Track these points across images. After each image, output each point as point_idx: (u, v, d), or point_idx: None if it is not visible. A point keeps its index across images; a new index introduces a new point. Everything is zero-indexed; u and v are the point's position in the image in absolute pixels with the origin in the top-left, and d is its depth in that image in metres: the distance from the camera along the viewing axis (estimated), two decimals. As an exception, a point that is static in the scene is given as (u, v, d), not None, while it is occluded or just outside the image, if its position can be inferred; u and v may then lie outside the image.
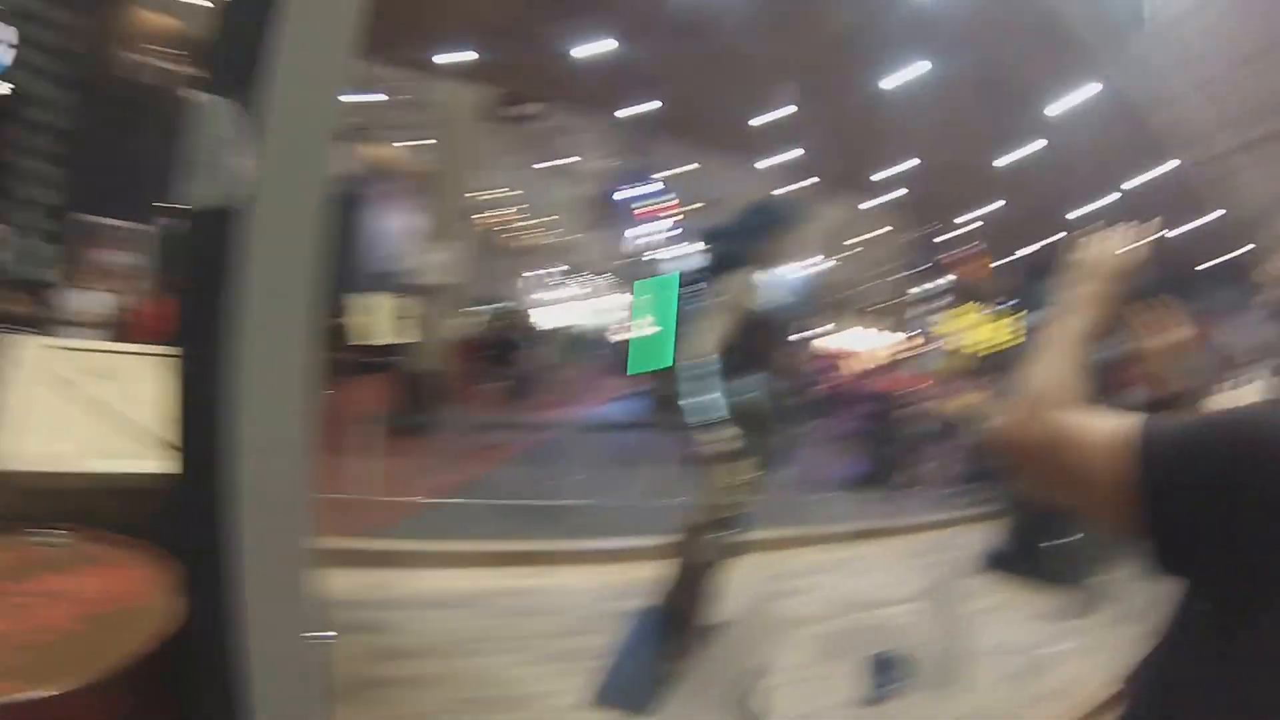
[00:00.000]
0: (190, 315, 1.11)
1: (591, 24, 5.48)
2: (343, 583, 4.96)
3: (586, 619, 5.10)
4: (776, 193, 4.77)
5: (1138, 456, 1.01)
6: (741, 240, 4.57)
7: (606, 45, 5.75)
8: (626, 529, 6.63)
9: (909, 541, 8.70)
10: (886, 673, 4.51)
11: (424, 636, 4.58)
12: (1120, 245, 1.45)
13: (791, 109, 6.66)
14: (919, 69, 5.45)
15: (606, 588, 5.66)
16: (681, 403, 4.22)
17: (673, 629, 4.56)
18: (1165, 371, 2.89)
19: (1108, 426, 1.06)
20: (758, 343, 4.46)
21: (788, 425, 4.84)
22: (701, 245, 4.89)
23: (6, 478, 2.04)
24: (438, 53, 6.28)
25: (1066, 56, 5.10)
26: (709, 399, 4.12)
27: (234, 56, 1.11)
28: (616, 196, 27.66)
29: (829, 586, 6.51)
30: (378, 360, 16.87)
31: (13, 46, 6.05)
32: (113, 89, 6.36)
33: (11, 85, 6.08)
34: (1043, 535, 7.48)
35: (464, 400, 12.78)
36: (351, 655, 4.29)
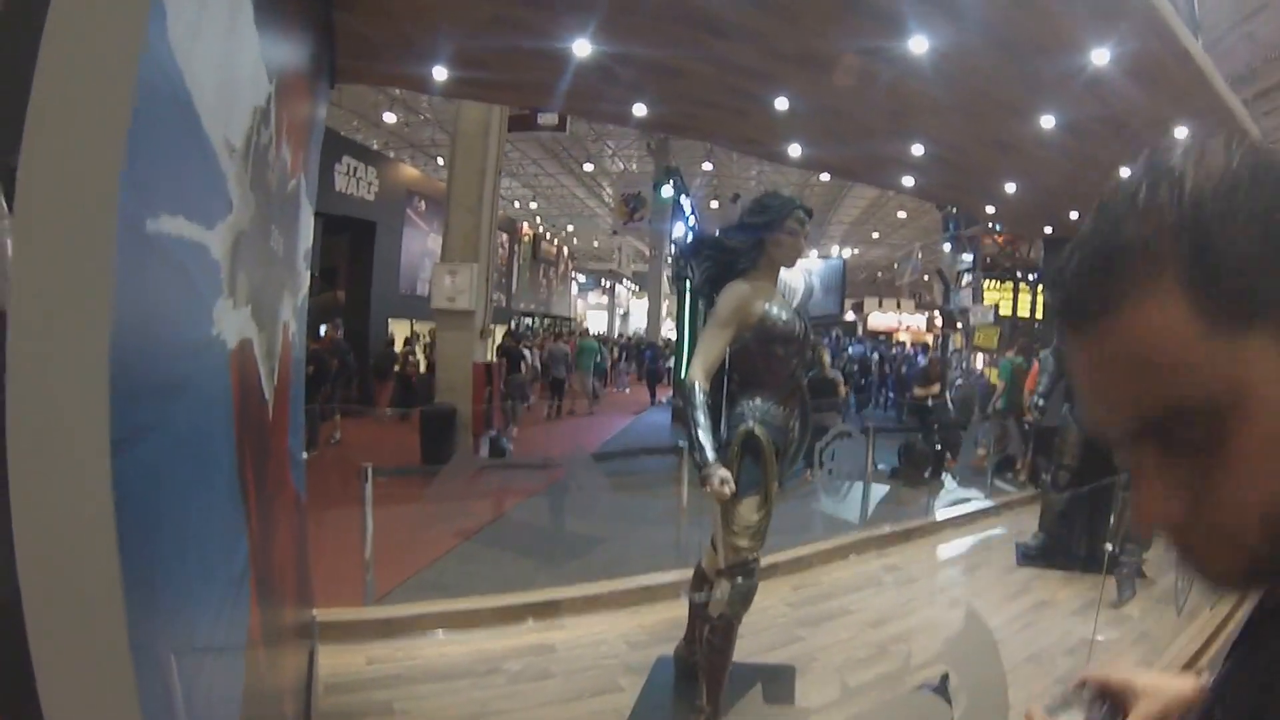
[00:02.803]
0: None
1: (583, 27, 5.24)
2: (343, 659, 4.77)
3: (602, 676, 4.80)
4: (772, 191, 4.27)
5: None
6: (733, 248, 4.16)
7: (604, 49, 5.50)
8: (646, 564, 6.37)
9: (947, 540, 8.46)
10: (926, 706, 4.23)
11: (431, 715, 4.34)
12: None
13: (801, 98, 6.40)
14: (928, 42, 5.15)
15: (623, 638, 5.36)
16: (686, 436, 3.93)
17: (692, 682, 4.32)
18: None
19: None
20: (763, 363, 4.07)
21: (801, 450, 4.43)
22: (693, 257, 4.39)
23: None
24: (437, 71, 6.02)
25: (1087, 20, 4.83)
26: (701, 434, 3.77)
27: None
28: (640, 199, 27.54)
29: (863, 606, 6.22)
30: (405, 391, 16.70)
31: None
32: None
33: None
34: (1074, 526, 7.37)
35: (489, 429, 12.53)
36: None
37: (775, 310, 4.05)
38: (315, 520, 4.70)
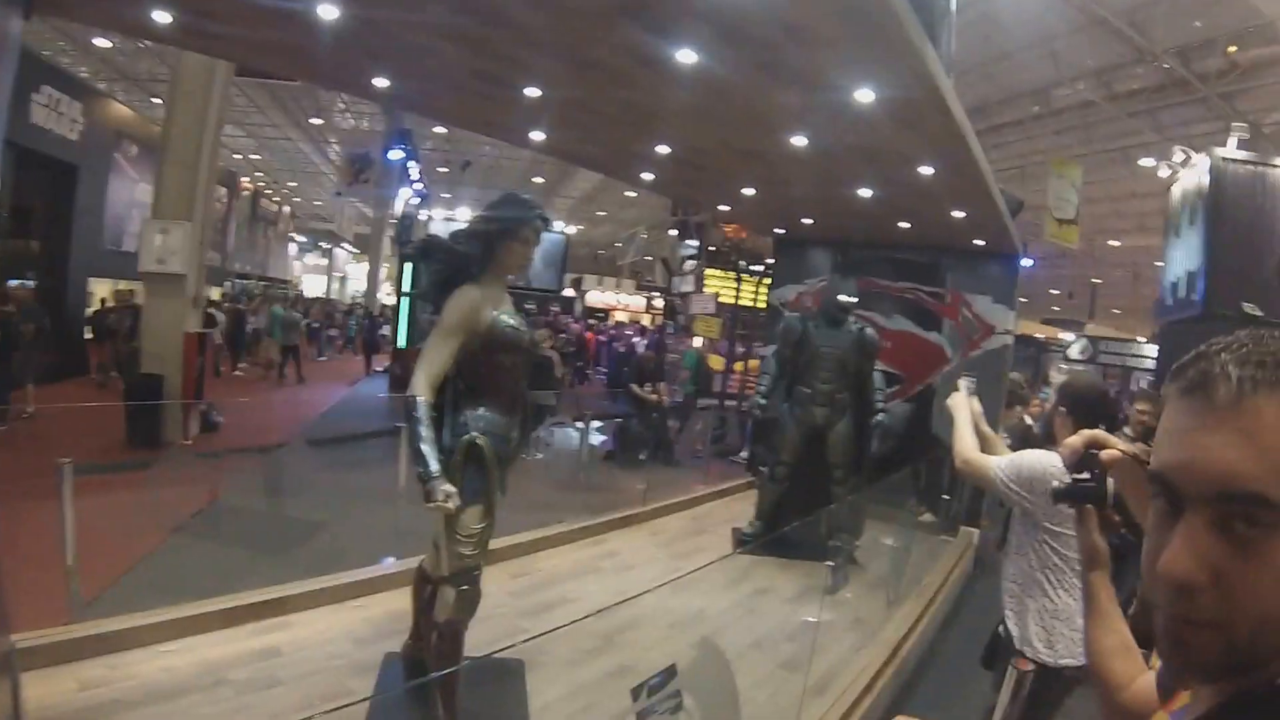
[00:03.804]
0: None
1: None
2: (51, 687, 4.14)
3: (331, 679, 4.58)
4: (511, 195, 4.19)
5: None
6: (464, 252, 4.09)
7: (349, 14, 5.18)
8: (367, 555, 6.24)
9: (665, 525, 8.69)
10: (654, 694, 4.30)
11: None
12: None
13: (553, 89, 6.31)
14: (696, 56, 5.16)
15: (348, 635, 5.13)
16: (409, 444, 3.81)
17: (423, 676, 4.25)
18: None
19: None
20: (489, 372, 4.03)
21: (513, 462, 4.33)
22: (421, 259, 4.28)
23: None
24: (156, 15, 5.49)
25: (858, 61, 4.99)
26: (424, 446, 3.69)
27: None
28: (368, 160, 26.94)
29: (584, 595, 6.31)
30: (116, 359, 15.34)
31: None
32: None
33: None
34: (790, 511, 7.72)
35: (199, 401, 11.78)
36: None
37: (504, 318, 4.01)
38: (5, 516, 4.18)
